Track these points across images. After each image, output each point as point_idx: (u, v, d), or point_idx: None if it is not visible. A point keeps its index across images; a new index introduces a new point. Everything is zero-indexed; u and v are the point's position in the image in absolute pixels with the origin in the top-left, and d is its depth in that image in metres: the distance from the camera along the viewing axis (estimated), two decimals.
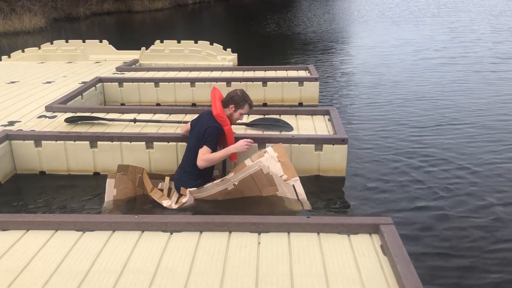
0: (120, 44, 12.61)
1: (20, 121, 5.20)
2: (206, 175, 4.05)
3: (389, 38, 15.90)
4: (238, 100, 4.14)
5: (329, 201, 4.08)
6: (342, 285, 2.32)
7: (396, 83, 8.90)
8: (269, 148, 3.93)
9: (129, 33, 22.40)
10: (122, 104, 7.28)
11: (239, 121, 4.42)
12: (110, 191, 3.97)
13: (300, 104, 7.23)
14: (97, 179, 4.60)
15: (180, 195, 4.01)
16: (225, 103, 4.15)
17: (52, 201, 4.17)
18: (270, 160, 3.82)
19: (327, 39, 16.40)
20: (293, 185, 3.84)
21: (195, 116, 5.12)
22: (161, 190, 4.14)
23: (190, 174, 4.01)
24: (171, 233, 2.82)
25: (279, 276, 2.41)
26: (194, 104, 7.16)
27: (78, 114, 5.34)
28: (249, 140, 4.06)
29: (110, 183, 3.96)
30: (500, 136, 5.72)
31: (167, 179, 4.23)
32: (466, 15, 23.13)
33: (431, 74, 9.56)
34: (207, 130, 3.92)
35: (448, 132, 5.89)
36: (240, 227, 2.83)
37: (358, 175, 4.64)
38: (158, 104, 7.27)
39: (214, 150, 3.98)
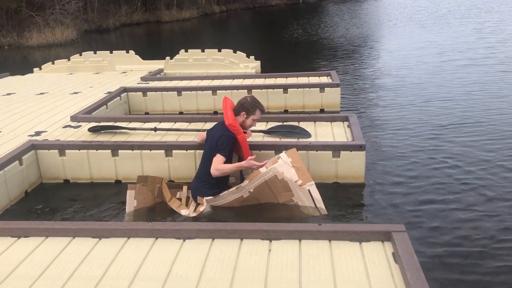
0: (148, 53, 12.91)
1: (46, 131, 5.39)
2: (222, 183, 4.08)
3: (415, 41, 15.69)
4: (248, 106, 4.16)
5: (346, 208, 4.04)
6: None
7: (419, 89, 8.76)
8: (283, 154, 3.92)
9: (157, 42, 22.85)
10: (146, 113, 7.43)
11: (253, 127, 4.44)
12: (131, 202, 4.06)
13: (322, 111, 7.21)
14: (119, 186, 4.71)
15: (198, 204, 4.06)
16: (237, 111, 4.19)
17: (75, 209, 4.28)
18: (284, 165, 3.81)
19: (354, 44, 16.31)
20: (309, 190, 3.81)
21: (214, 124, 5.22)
22: (179, 199, 4.21)
23: (206, 183, 4.05)
24: (184, 240, 2.86)
25: (287, 282, 2.41)
26: (215, 112, 7.23)
27: (102, 123, 5.49)
28: (256, 164, 3.86)
29: (130, 195, 4.05)
30: None
31: (184, 188, 4.29)
32: (497, 15, 22.58)
33: (455, 79, 9.32)
34: (220, 139, 3.97)
35: (471, 141, 5.69)
36: (251, 234, 2.85)
37: (377, 181, 4.59)
38: (181, 113, 7.38)
39: (228, 158, 4.00)
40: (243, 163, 3.95)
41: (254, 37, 22.28)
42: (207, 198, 3.94)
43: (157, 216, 4.01)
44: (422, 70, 10.62)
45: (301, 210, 3.85)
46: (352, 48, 15.35)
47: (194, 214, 3.94)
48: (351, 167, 4.47)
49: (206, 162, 4.08)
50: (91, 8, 28.22)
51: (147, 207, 4.10)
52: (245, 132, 4.22)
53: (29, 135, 5.24)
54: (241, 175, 4.28)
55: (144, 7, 32.93)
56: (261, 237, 2.84)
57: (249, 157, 3.90)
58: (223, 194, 3.91)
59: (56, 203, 4.44)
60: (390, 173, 4.80)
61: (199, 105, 7.38)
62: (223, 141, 3.96)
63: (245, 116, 4.17)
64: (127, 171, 4.74)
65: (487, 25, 18.82)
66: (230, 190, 3.90)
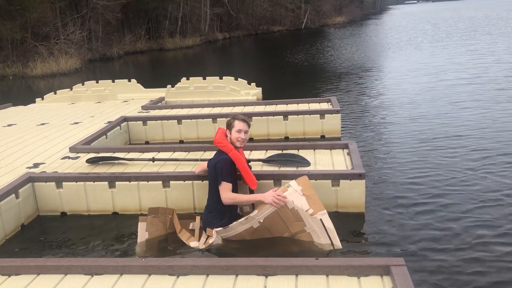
0: (151, 81, 12.99)
1: (44, 163, 5.36)
2: (231, 213, 3.99)
3: (415, 65, 15.74)
4: (228, 121, 4.15)
5: (346, 238, 3.94)
6: None
7: (421, 114, 8.70)
8: (293, 182, 3.79)
9: (160, 70, 23.07)
10: (147, 142, 7.42)
11: (252, 157, 4.38)
12: (142, 234, 4.02)
13: (323, 137, 7.17)
14: (116, 219, 4.66)
15: (208, 236, 3.99)
16: (226, 133, 4.16)
17: (71, 242, 4.22)
18: (294, 194, 3.71)
19: (354, 68, 16.38)
20: (321, 219, 3.68)
21: (214, 153, 5.17)
22: (193, 230, 4.13)
23: (214, 214, 3.99)
24: (178, 277, 2.79)
25: None
26: None
27: (100, 154, 5.46)
28: (281, 195, 3.68)
29: (141, 227, 4.01)
30: None
31: (197, 218, 4.21)
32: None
33: (457, 106, 9.23)
34: (217, 165, 3.92)
35: (474, 169, 5.59)
36: (246, 270, 2.77)
37: (377, 210, 4.51)
38: (181, 141, 7.36)
39: (232, 182, 3.94)
40: (258, 195, 3.79)
41: (255, 64, 22.45)
42: (216, 229, 3.86)
43: (168, 247, 3.95)
44: (423, 95, 10.59)
45: (314, 243, 3.72)
46: (353, 73, 15.41)
47: (204, 247, 3.87)
48: (351, 196, 4.40)
49: (211, 192, 4.03)
50: (95, 37, 28.64)
51: (159, 238, 4.05)
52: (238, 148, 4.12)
53: (27, 167, 5.22)
54: (253, 204, 4.19)
55: (147, 35, 33.39)
56: (257, 273, 2.76)
57: (272, 190, 3.77)
58: (232, 225, 3.82)
59: (53, 236, 4.37)
60: (391, 202, 4.71)
61: (199, 133, 7.37)
62: (221, 166, 3.90)
63: (229, 132, 4.11)
64: (124, 202, 4.68)
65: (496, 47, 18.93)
66: (239, 220, 3.80)
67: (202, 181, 4.52)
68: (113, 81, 10.64)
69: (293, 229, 3.77)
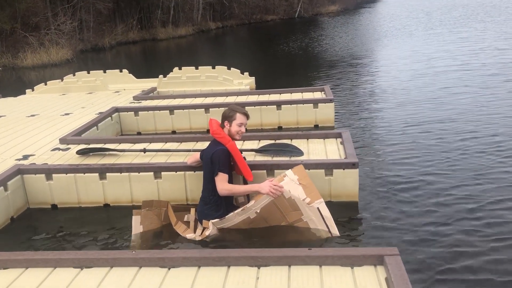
0: (143, 71, 12.86)
1: (34, 155, 5.28)
2: (227, 204, 3.95)
3: (408, 53, 15.68)
4: (227, 113, 4.06)
5: (339, 228, 3.91)
6: None
7: (414, 101, 8.68)
8: (289, 171, 3.78)
9: (153, 60, 22.88)
10: (138, 133, 7.34)
11: (245, 147, 4.33)
12: (137, 228, 3.96)
13: (316, 126, 7.13)
14: (107, 211, 4.60)
15: (204, 228, 3.94)
16: (222, 123, 4.08)
17: (62, 235, 4.16)
18: (290, 183, 3.68)
19: (347, 57, 16.31)
20: (318, 208, 3.68)
21: (206, 143, 5.10)
22: (187, 222, 4.08)
23: (210, 205, 3.94)
24: (169, 269, 2.75)
25: None
26: (208, 131, 7.12)
27: (91, 145, 5.39)
28: (277, 185, 3.65)
29: (136, 220, 3.96)
30: None
31: (192, 210, 4.15)
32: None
33: (451, 94, 9.21)
34: (214, 156, 3.85)
35: (474, 156, 5.55)
36: (238, 261, 2.74)
37: (371, 200, 4.48)
38: (173, 132, 7.29)
39: (229, 174, 3.90)
40: (254, 185, 3.76)
41: (249, 53, 22.31)
42: (213, 221, 3.82)
43: (164, 240, 3.90)
44: (416, 82, 10.57)
45: (311, 231, 3.71)
46: (345, 61, 15.34)
47: (200, 238, 3.82)
48: (345, 185, 4.36)
49: (206, 184, 3.98)
50: (87, 28, 28.31)
51: (153, 231, 4.00)
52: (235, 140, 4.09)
53: (16, 159, 5.14)
54: (248, 195, 4.15)
55: (139, 25, 33.08)
56: (249, 264, 2.73)
57: (268, 180, 3.74)
58: (229, 216, 3.78)
59: (43, 229, 4.31)
60: (385, 191, 4.68)
61: (192, 124, 7.30)
62: (217, 156, 3.84)
63: (228, 124, 4.05)
64: (116, 194, 4.62)
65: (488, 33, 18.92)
66: (236, 211, 3.76)
67: (194, 172, 4.48)
68: (105, 72, 10.51)
69: (290, 218, 3.74)
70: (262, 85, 10.07)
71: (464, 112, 7.64)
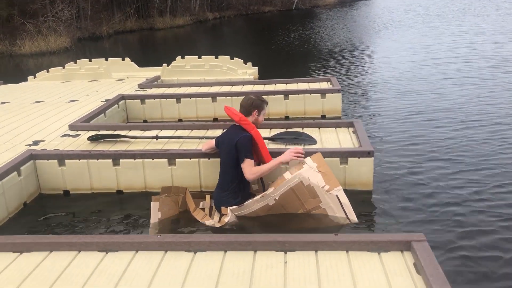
0: (143, 61, 12.76)
1: (44, 141, 5.25)
2: (244, 192, 3.96)
3: (408, 45, 15.69)
4: (258, 103, 4.11)
5: (358, 216, 3.93)
6: None
7: (422, 91, 8.72)
8: (308, 159, 3.80)
9: (151, 50, 22.72)
10: (145, 121, 7.31)
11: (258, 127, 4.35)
12: (155, 214, 3.95)
13: (323, 117, 7.12)
14: (120, 197, 4.59)
15: (222, 214, 3.93)
16: (247, 112, 4.07)
17: (76, 221, 4.15)
18: (309, 171, 3.69)
19: (347, 48, 16.30)
20: (337, 195, 3.69)
21: (217, 131, 5.10)
22: (203, 209, 4.08)
23: (229, 192, 3.93)
24: (195, 253, 2.75)
25: None
26: (215, 119, 7.13)
27: (101, 132, 5.36)
28: (297, 149, 3.96)
29: (154, 206, 3.94)
30: None
31: (207, 197, 4.15)
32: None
33: (451, 85, 9.26)
34: (239, 142, 3.83)
35: (481, 143, 5.63)
36: (265, 246, 2.74)
37: (386, 188, 4.50)
38: (180, 120, 7.26)
39: (254, 159, 3.91)
40: (279, 157, 3.91)
41: (249, 44, 22.21)
42: (231, 208, 3.82)
43: (182, 226, 3.89)
44: (418, 73, 10.62)
45: (329, 218, 3.72)
46: (346, 53, 15.33)
47: (219, 225, 3.81)
48: (359, 174, 4.37)
49: (225, 170, 3.98)
50: (84, 16, 28.05)
51: (171, 218, 3.99)
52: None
53: (26, 145, 5.10)
54: (262, 183, 4.14)
55: (137, 14, 32.79)
56: (276, 249, 2.73)
57: (289, 150, 3.92)
58: (247, 203, 3.78)
59: (56, 215, 4.29)
60: (398, 179, 4.71)
61: (198, 112, 7.27)
62: (244, 143, 3.83)
63: (257, 114, 4.08)
64: (129, 180, 4.61)
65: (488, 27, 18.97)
66: (254, 198, 3.77)
67: (209, 159, 4.46)
68: (107, 60, 10.43)
69: (308, 205, 3.75)
70: (265, 75, 10.05)
71: (466, 102, 7.71)
